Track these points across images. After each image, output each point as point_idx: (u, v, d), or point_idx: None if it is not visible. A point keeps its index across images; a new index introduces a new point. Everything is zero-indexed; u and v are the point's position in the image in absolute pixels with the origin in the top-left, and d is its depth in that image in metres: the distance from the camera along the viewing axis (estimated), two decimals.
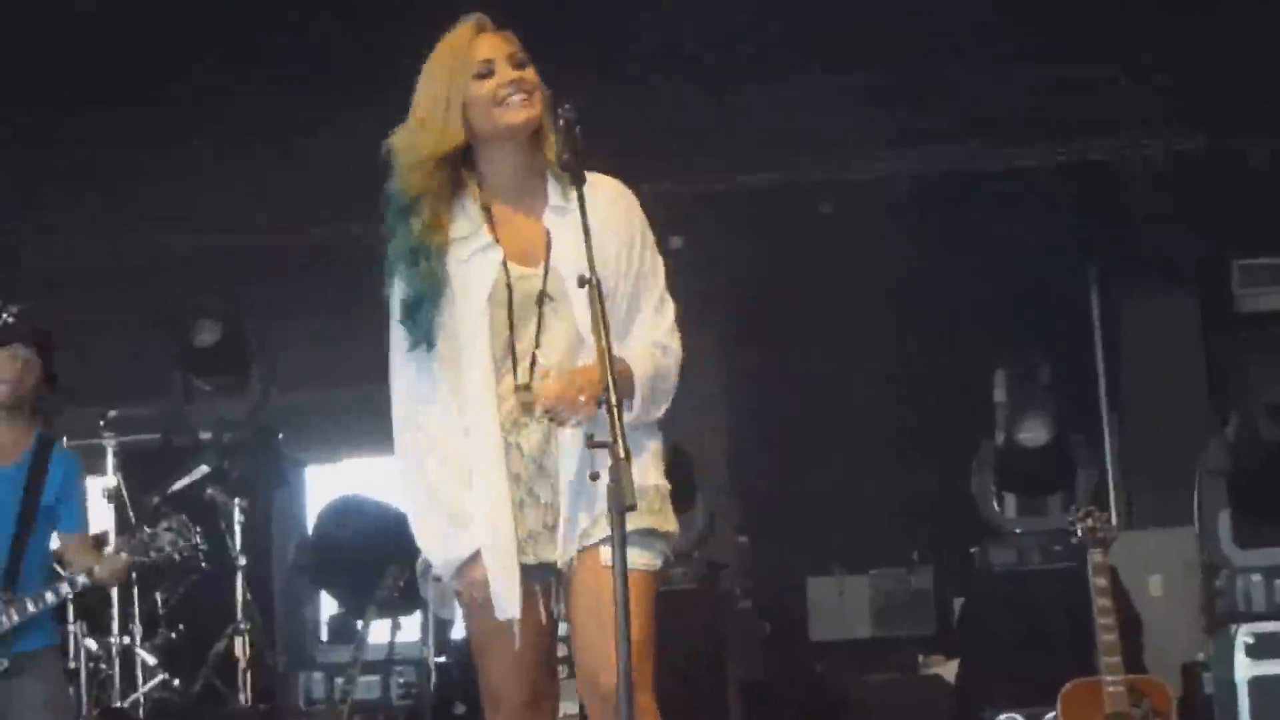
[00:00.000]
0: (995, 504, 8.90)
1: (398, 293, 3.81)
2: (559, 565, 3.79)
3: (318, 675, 8.88)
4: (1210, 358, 10.21)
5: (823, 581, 10.77)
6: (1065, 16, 8.80)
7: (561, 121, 3.67)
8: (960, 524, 9.17)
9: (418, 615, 8.79)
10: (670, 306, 3.90)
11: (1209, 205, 9.90)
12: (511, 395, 3.77)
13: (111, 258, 10.24)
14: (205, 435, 9.28)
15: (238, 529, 8.16)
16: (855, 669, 10.45)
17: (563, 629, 3.91)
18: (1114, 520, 7.05)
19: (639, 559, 3.72)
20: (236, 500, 8.19)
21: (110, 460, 7.91)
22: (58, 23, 8.54)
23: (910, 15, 8.72)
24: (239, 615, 8.09)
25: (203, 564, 7.95)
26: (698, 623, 8.51)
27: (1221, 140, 9.72)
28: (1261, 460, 8.04)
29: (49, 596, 5.93)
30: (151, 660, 7.79)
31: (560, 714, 4.02)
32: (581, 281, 3.57)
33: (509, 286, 3.77)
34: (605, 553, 3.70)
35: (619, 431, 3.41)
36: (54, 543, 6.16)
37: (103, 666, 7.61)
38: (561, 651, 3.96)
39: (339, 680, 8.39)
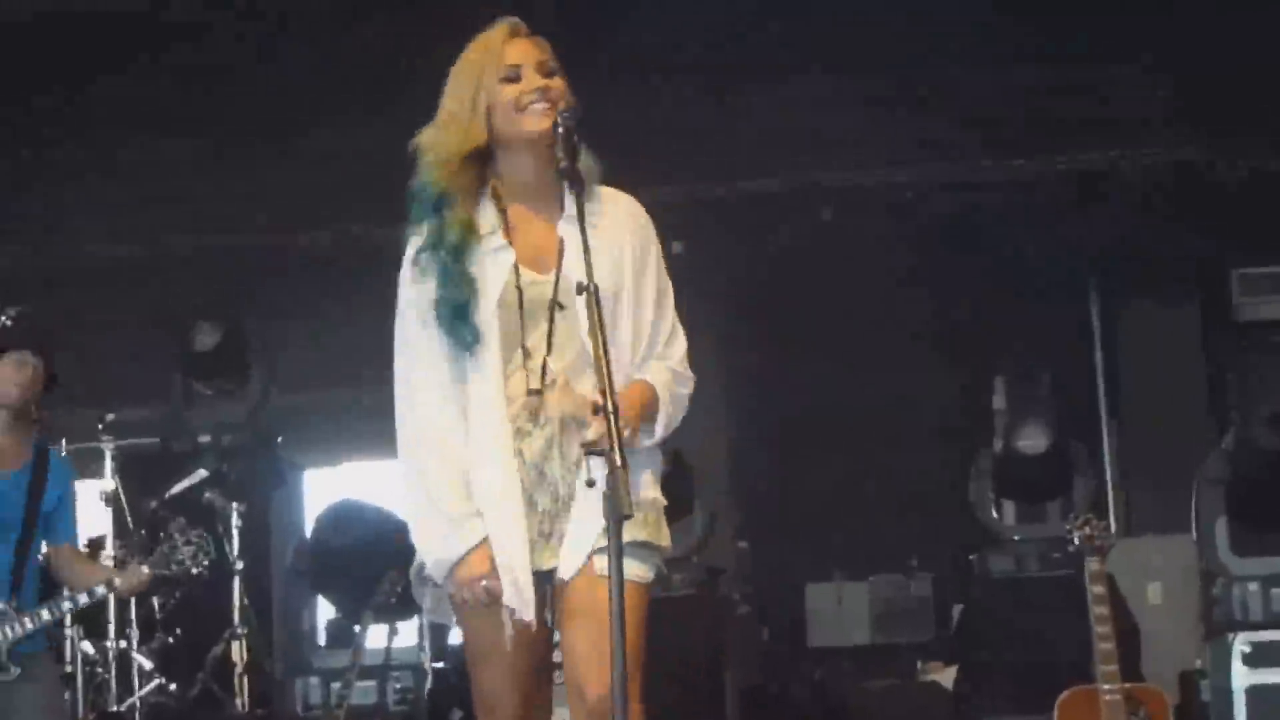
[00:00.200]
0: (994, 511, 8.90)
1: (430, 292, 3.80)
2: (558, 574, 3.79)
3: (314, 680, 8.88)
4: (1209, 366, 10.21)
5: (822, 587, 10.76)
6: (1065, 21, 8.80)
7: (560, 129, 3.68)
8: (959, 531, 9.17)
9: (415, 621, 8.78)
10: (682, 333, 3.92)
11: (1209, 213, 9.90)
12: (518, 399, 3.76)
13: (111, 260, 10.23)
14: (204, 439, 9.27)
15: (236, 533, 8.15)
16: (854, 675, 10.43)
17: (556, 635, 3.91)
18: (1112, 528, 7.04)
19: (633, 570, 3.72)
20: (235, 504, 8.19)
21: (109, 463, 7.89)
22: (57, 22, 8.55)
23: (910, 18, 8.72)
24: (236, 620, 8.08)
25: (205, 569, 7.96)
26: (697, 628, 8.50)
27: (1221, 148, 9.72)
28: (1259, 469, 8.04)
29: (65, 605, 5.94)
30: (148, 664, 7.78)
31: None
32: (580, 288, 3.56)
33: (519, 289, 3.76)
34: (599, 563, 3.70)
35: (616, 439, 3.41)
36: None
37: (99, 670, 7.60)
38: (556, 657, 3.96)
39: (336, 685, 8.38)
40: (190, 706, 8.18)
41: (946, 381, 10.54)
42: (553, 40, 3.94)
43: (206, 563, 6.10)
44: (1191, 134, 9.70)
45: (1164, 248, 10.16)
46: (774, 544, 10.33)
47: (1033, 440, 8.77)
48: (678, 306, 3.95)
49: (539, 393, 3.74)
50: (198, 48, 8.69)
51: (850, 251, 10.13)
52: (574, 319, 3.74)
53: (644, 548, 3.79)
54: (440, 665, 9.00)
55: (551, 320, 3.74)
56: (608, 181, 3.91)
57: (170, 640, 8.14)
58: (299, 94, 9.14)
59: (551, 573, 3.79)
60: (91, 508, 7.97)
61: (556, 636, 3.88)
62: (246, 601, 8.19)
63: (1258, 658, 7.42)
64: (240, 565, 8.12)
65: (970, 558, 8.77)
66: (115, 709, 7.72)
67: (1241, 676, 7.38)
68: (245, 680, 8.25)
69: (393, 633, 8.58)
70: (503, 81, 3.79)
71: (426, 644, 8.85)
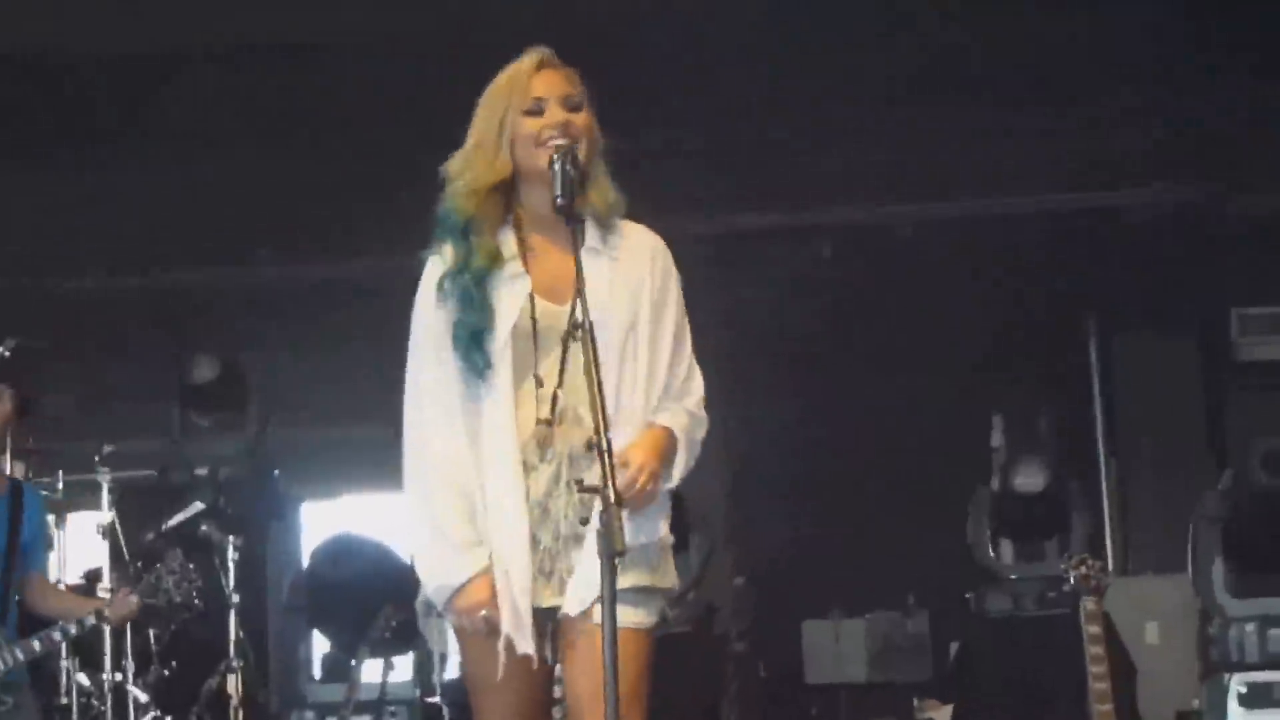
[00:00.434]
0: (991, 549, 8.88)
1: (449, 317, 3.80)
2: (563, 609, 3.77)
3: (310, 714, 8.86)
4: (1208, 405, 10.21)
5: (819, 624, 10.73)
6: (1067, 62, 8.83)
7: (555, 167, 3.68)
8: (957, 569, 9.15)
9: (410, 655, 8.77)
10: (699, 374, 3.91)
11: (1208, 252, 9.92)
12: (527, 428, 3.75)
13: (110, 292, 10.25)
14: (201, 471, 9.27)
15: (232, 566, 8.13)
16: (850, 713, 10.40)
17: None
18: (1109, 567, 7.03)
19: (630, 617, 3.71)
20: (231, 537, 8.17)
21: (105, 496, 7.88)
22: (54, 57, 8.58)
23: (910, 57, 8.75)
24: (232, 653, 8.06)
25: (196, 601, 7.95)
26: (693, 665, 8.48)
27: (1221, 189, 9.75)
28: (1256, 509, 8.03)
29: (55, 636, 5.94)
30: (144, 697, 7.75)
31: None
32: (575, 327, 3.57)
33: (533, 319, 3.76)
34: (596, 610, 3.67)
35: (610, 477, 3.41)
36: None
37: (95, 703, 7.57)
38: (558, 693, 3.95)
39: (331, 719, 8.37)
40: None
41: (944, 419, 10.53)
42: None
43: (193, 591, 6.11)
44: (1191, 173, 9.72)
45: (1163, 287, 10.18)
46: (771, 581, 10.31)
47: (1030, 479, 8.76)
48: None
49: (549, 423, 3.73)
50: (191, 79, 8.71)
51: (849, 288, 10.15)
52: (587, 352, 3.69)
53: (644, 592, 3.78)
54: (435, 700, 8.98)
55: (565, 350, 3.72)
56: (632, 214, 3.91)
57: (166, 673, 8.11)
58: (299, 130, 9.17)
59: (552, 610, 3.78)
60: (88, 540, 7.97)
61: (559, 670, 3.87)
62: (242, 634, 8.16)
63: (1254, 698, 7.41)
64: (237, 598, 8.10)
65: (967, 596, 8.76)
66: None
67: (1238, 717, 7.37)
68: (240, 713, 8.21)
69: (388, 667, 8.56)
70: (525, 114, 3.79)
71: (422, 679, 8.84)
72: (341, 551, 8.94)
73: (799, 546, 10.48)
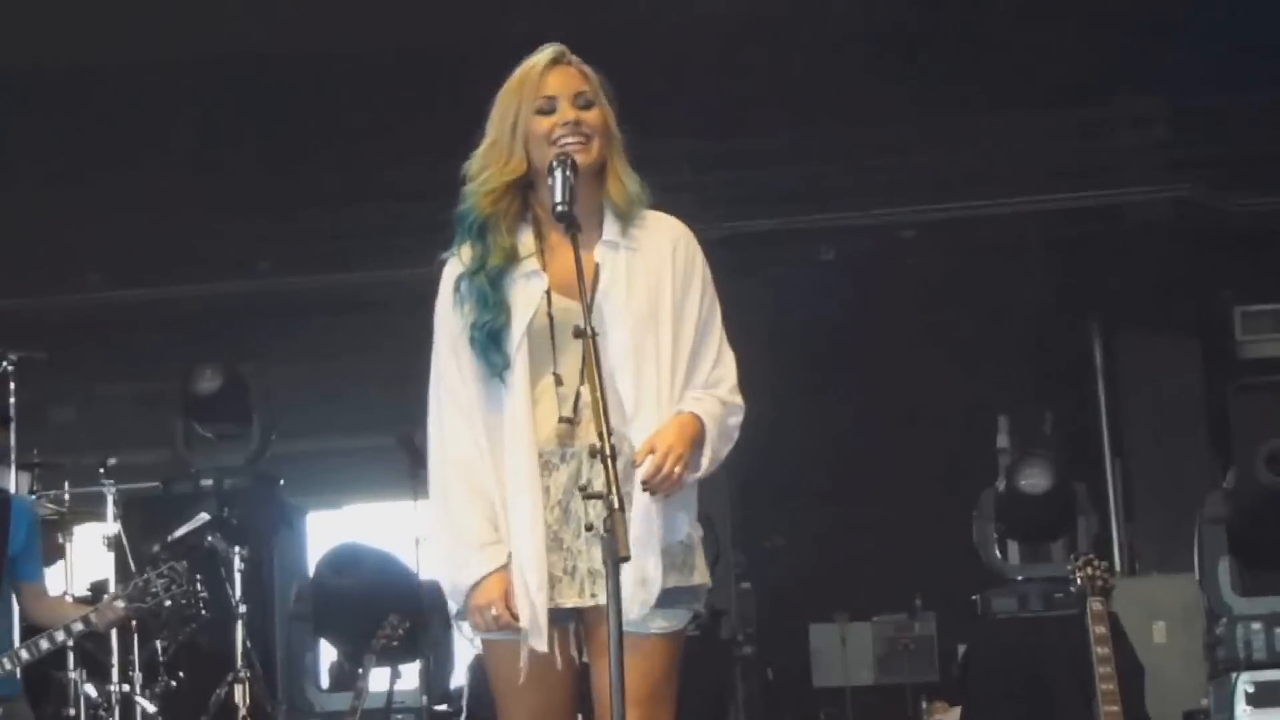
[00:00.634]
0: (997, 551, 8.86)
1: (466, 318, 3.76)
2: (585, 609, 3.73)
3: None
4: (1212, 405, 10.21)
5: (825, 628, 10.74)
6: (1069, 65, 8.84)
7: (556, 174, 3.66)
8: (963, 571, 9.14)
9: (416, 664, 8.77)
10: (730, 359, 3.85)
11: (1211, 252, 9.92)
12: (547, 427, 3.72)
13: (114, 304, 10.26)
14: (206, 482, 9.26)
15: (238, 576, 8.13)
16: (858, 715, 10.41)
17: None
18: (1115, 567, 7.01)
19: (658, 621, 3.70)
20: (237, 548, 8.17)
21: (110, 508, 7.88)
22: (59, 72, 8.59)
23: (912, 62, 8.76)
24: (239, 663, 8.06)
25: (203, 611, 7.94)
26: (700, 670, 8.48)
27: (1223, 186, 9.75)
28: (1261, 508, 8.01)
29: (43, 644, 5.94)
30: (151, 708, 7.74)
31: None
32: (577, 333, 3.55)
33: (550, 316, 3.72)
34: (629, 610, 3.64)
35: (614, 483, 3.39)
36: None
37: (102, 714, 7.57)
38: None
39: None
40: None
41: (949, 421, 10.54)
42: None
43: (188, 593, 6.11)
44: (1194, 172, 9.72)
45: (1166, 286, 10.18)
46: (777, 585, 10.32)
47: (1036, 480, 8.74)
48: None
49: (570, 421, 3.68)
50: (195, 91, 8.73)
51: (852, 291, 10.15)
52: (603, 347, 3.66)
53: (671, 594, 3.73)
54: (442, 708, 8.98)
55: (595, 351, 3.61)
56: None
57: (173, 684, 8.10)
58: (301, 142, 9.18)
59: (574, 610, 3.73)
60: (94, 552, 7.96)
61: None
62: (249, 644, 8.16)
63: (1261, 697, 7.39)
64: (243, 608, 8.10)
65: (974, 598, 8.75)
66: None
67: (1245, 716, 7.36)
68: None
69: (395, 676, 8.55)
70: (537, 113, 3.76)
71: (429, 687, 8.83)
72: (347, 560, 8.93)
73: (805, 551, 10.48)
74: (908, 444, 10.59)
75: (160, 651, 7.88)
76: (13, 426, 7.56)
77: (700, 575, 3.81)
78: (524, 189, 3.81)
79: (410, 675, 8.78)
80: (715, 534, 9.21)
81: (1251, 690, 7.40)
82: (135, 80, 8.64)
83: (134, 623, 7.41)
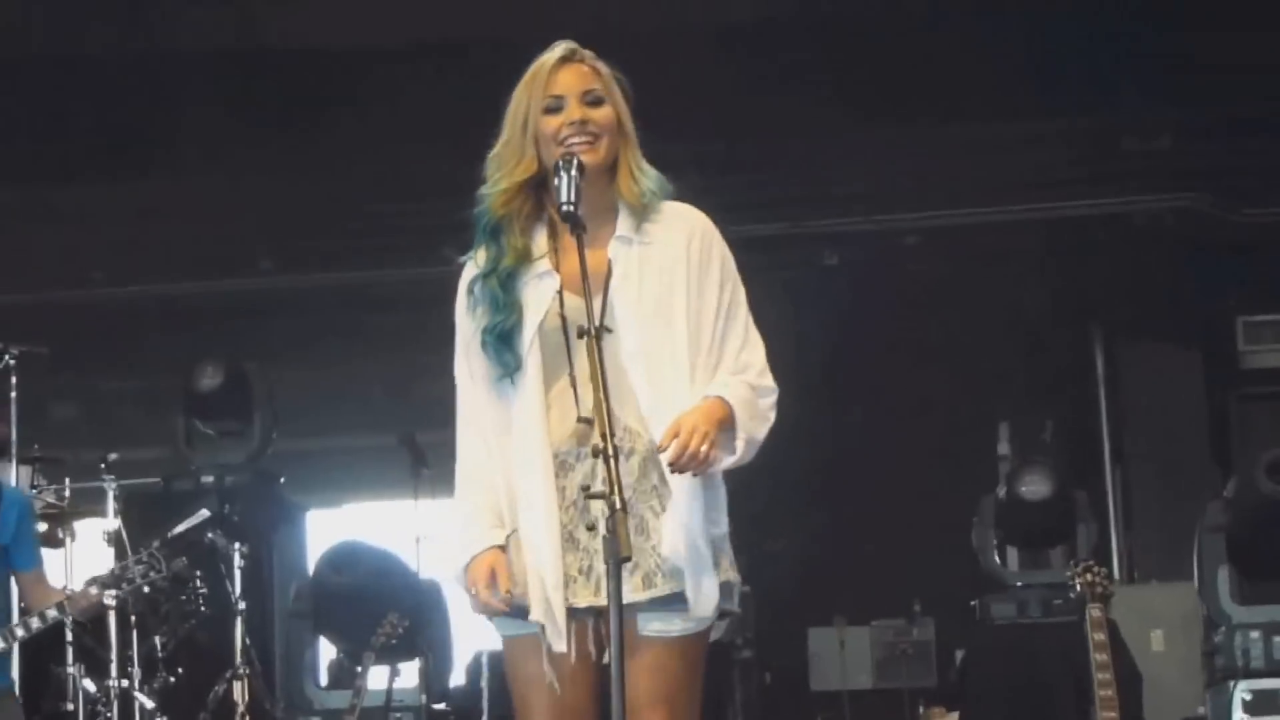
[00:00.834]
0: (997, 557, 8.87)
1: (480, 321, 3.76)
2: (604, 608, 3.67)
3: None
4: (1213, 414, 10.21)
5: (824, 632, 10.74)
6: (1072, 72, 8.84)
7: (563, 172, 3.64)
8: (962, 576, 9.15)
9: (416, 662, 8.77)
10: (757, 342, 3.80)
11: (1214, 261, 9.92)
12: (564, 427, 3.69)
13: (116, 301, 10.27)
14: (207, 479, 9.27)
15: (238, 573, 8.14)
16: None
17: None
18: (1115, 574, 7.02)
19: (675, 625, 3.70)
20: (237, 545, 8.18)
21: (111, 503, 7.89)
22: (74, 63, 8.59)
23: (914, 68, 8.76)
24: (238, 660, 8.07)
25: (202, 608, 7.95)
26: None
27: (1227, 198, 9.75)
28: (1261, 517, 8.02)
29: (18, 631, 5.95)
30: (150, 704, 7.74)
31: None
32: (581, 332, 3.55)
33: (562, 316, 3.70)
34: (642, 621, 3.67)
35: (616, 483, 3.39)
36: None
37: (100, 709, 7.57)
38: None
39: None
40: None
41: (951, 427, 10.54)
42: None
43: (157, 578, 6.13)
44: (1198, 182, 9.73)
45: (1169, 295, 10.18)
46: (776, 588, 10.31)
47: (1036, 486, 8.75)
48: None
49: (588, 421, 3.60)
50: (199, 88, 8.73)
51: (854, 296, 10.15)
52: (615, 344, 3.66)
53: (682, 598, 3.71)
54: (441, 707, 8.99)
55: (600, 356, 3.59)
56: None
57: (172, 680, 8.10)
58: (310, 136, 9.18)
59: (590, 609, 3.69)
60: (94, 547, 7.97)
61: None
62: (248, 641, 8.17)
63: (1259, 706, 7.40)
64: (242, 605, 8.10)
65: (972, 603, 8.75)
66: None
67: None
68: None
69: (394, 674, 8.56)
70: (545, 112, 3.74)
71: (428, 685, 8.84)
72: (346, 558, 8.93)
73: (805, 554, 10.49)
74: (908, 449, 10.59)
75: (159, 647, 7.89)
76: (14, 421, 7.57)
77: (723, 574, 3.79)
78: (537, 188, 3.79)
79: (409, 674, 8.78)
80: None
81: (1249, 698, 7.40)
82: (140, 75, 8.65)
83: (133, 618, 7.44)
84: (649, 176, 3.79)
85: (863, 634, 10.69)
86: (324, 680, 9.32)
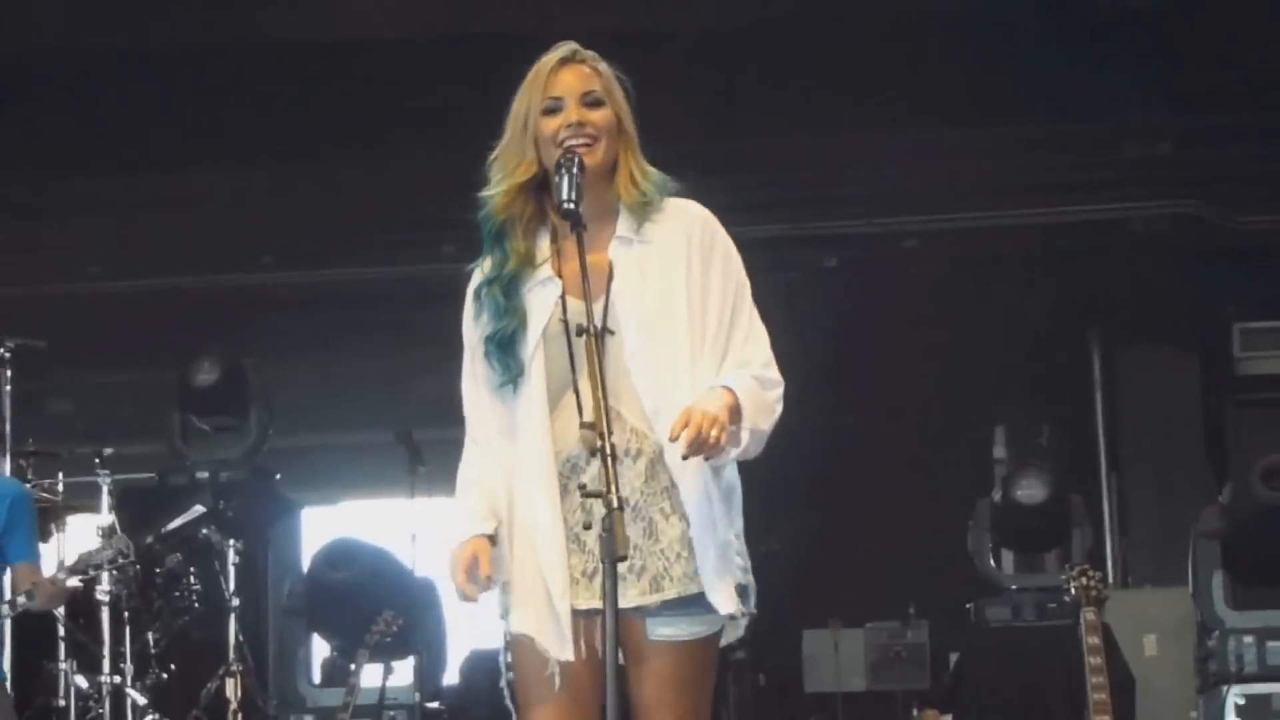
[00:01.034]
0: (992, 560, 8.88)
1: (484, 328, 3.74)
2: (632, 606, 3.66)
3: (308, 718, 8.85)
4: (1209, 420, 10.21)
5: (818, 634, 10.73)
6: (1070, 77, 8.85)
7: (564, 170, 3.63)
8: (957, 579, 9.15)
9: (410, 660, 8.76)
10: (761, 333, 3.77)
11: (1211, 267, 9.93)
12: (571, 432, 3.65)
13: (113, 295, 10.26)
14: (202, 475, 9.25)
15: (232, 570, 8.13)
16: None
17: None
18: (1109, 579, 7.02)
19: (683, 629, 3.68)
20: (232, 541, 8.17)
21: (105, 498, 7.87)
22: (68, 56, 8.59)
23: (916, 74, 8.76)
24: (231, 656, 8.06)
25: (195, 604, 7.94)
26: None
27: (1226, 205, 9.75)
28: (1255, 523, 8.03)
29: None
30: (142, 700, 7.74)
31: None
32: (580, 330, 3.53)
33: (564, 322, 3.67)
34: (650, 625, 3.66)
35: (613, 481, 3.38)
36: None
37: (93, 705, 7.57)
38: None
39: None
40: None
41: (948, 430, 10.53)
42: None
43: (125, 563, 6.15)
44: (1197, 188, 9.73)
45: (1166, 301, 10.18)
46: (770, 590, 10.31)
47: (1032, 490, 8.76)
48: None
49: (593, 426, 3.54)
50: (196, 83, 8.73)
51: (851, 299, 10.15)
52: (618, 346, 3.64)
53: (695, 600, 3.69)
54: (435, 705, 8.98)
55: (602, 350, 3.58)
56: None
57: (165, 676, 8.10)
58: (303, 133, 9.18)
59: (594, 611, 3.64)
60: (89, 542, 7.96)
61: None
62: (242, 638, 8.16)
63: (1251, 711, 7.41)
64: (236, 602, 8.10)
65: (967, 606, 8.76)
66: None
67: None
68: (239, 717, 8.21)
69: (388, 671, 8.55)
70: (545, 114, 3.73)
71: (422, 683, 8.83)
72: (341, 555, 8.92)
73: (799, 556, 10.48)
74: (904, 451, 10.59)
75: (152, 643, 7.88)
76: (8, 415, 7.56)
77: (740, 575, 3.78)
78: (538, 191, 3.78)
79: (403, 671, 8.77)
80: None
81: (1242, 703, 7.41)
82: (136, 70, 8.64)
83: (126, 614, 7.43)
84: (650, 178, 3.77)
85: (857, 636, 10.68)
86: (317, 678, 9.31)
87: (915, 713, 10.01)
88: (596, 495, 3.42)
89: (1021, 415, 10.50)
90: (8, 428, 7.55)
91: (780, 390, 3.74)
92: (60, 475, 7.97)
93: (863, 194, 9.86)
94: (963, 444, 10.29)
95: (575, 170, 3.63)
